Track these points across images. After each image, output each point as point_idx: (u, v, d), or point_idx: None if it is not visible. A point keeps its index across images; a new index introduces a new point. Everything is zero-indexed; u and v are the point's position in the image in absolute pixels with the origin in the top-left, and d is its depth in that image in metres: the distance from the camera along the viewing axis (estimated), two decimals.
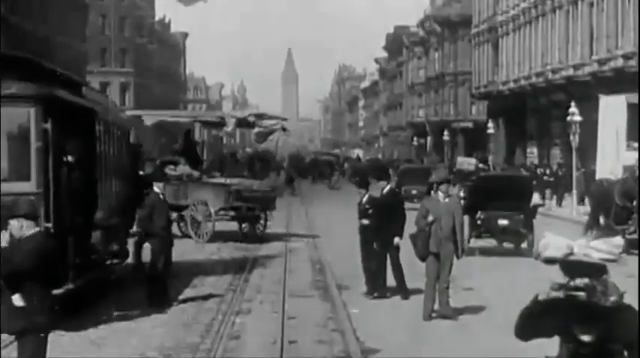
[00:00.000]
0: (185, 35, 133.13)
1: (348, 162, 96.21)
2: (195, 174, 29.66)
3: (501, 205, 25.45)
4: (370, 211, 18.65)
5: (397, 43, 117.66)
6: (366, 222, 18.73)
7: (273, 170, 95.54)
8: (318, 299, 18.67)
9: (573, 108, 42.25)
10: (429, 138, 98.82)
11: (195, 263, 24.17)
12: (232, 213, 29.60)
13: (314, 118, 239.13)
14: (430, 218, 16.03)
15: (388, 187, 18.81)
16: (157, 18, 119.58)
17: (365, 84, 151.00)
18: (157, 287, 17.16)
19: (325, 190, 64.96)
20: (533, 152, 68.66)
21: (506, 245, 25.87)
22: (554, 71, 60.50)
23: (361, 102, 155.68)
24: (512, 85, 70.13)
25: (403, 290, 18.36)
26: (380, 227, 18.30)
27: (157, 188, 17.25)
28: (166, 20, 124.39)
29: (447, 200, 16.22)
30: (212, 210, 28.70)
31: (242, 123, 32.15)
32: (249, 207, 29.50)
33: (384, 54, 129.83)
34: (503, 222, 25.39)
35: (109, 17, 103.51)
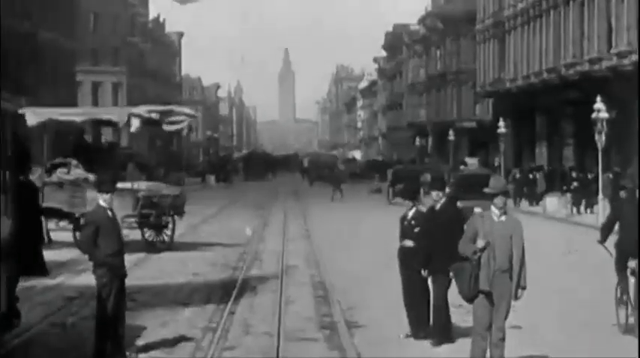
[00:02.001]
0: (180, 35, 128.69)
1: (343, 164, 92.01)
2: (92, 177, 25.68)
3: (475, 196, 28.25)
4: (416, 229, 14.05)
5: (397, 41, 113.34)
6: (409, 243, 14.08)
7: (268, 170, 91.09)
8: (324, 344, 14.04)
9: (599, 104, 37.76)
10: (430, 139, 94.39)
11: (172, 287, 19.58)
12: (138, 220, 26.03)
13: (311, 119, 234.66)
14: (480, 243, 11.40)
15: (444, 199, 14.11)
16: (150, 17, 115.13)
17: (363, 84, 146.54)
18: (107, 336, 12.49)
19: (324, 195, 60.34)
20: (542, 153, 64.28)
21: None
22: (567, 67, 56.00)
23: (359, 103, 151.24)
24: (520, 82, 65.64)
25: (441, 334, 13.74)
26: (432, 251, 13.67)
27: (102, 201, 12.55)
28: (161, 19, 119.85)
29: (502, 218, 11.58)
30: (118, 218, 24.38)
31: (147, 121, 27.46)
32: (159, 213, 26.18)
33: (383, 53, 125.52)
34: (477, 209, 26.57)
35: (100, 15, 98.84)
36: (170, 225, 26.86)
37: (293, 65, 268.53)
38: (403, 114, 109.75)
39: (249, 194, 62.25)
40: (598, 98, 38.15)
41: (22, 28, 64.32)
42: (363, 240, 29.73)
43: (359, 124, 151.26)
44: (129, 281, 20.27)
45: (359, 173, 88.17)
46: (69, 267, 22.28)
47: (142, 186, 26.22)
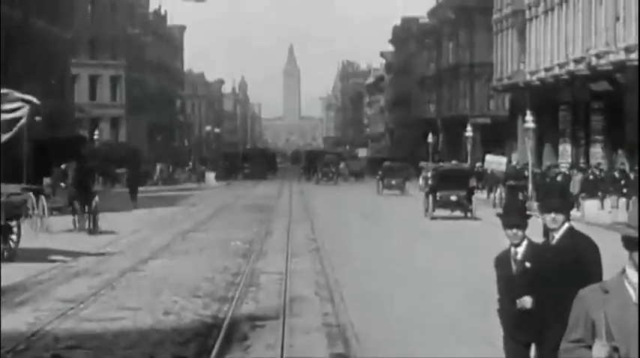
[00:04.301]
0: (183, 29, 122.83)
1: (345, 161, 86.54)
2: None
3: (452, 187, 35.98)
4: (527, 277, 7.88)
5: (405, 35, 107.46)
6: (528, 303, 7.83)
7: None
8: None
9: None
10: (440, 136, 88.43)
11: (128, 335, 13.61)
12: None
13: (316, 116, 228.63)
14: (599, 352, 5.07)
15: (566, 227, 7.87)
16: (151, 9, 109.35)
17: (370, 80, 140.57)
18: None
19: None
20: (566, 150, 58.38)
21: (456, 213, 35.96)
22: (598, 56, 49.94)
23: (366, 99, 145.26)
24: (543, 74, 59.60)
25: None
26: (548, 315, 7.58)
27: None
28: (162, 12, 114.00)
29: None
30: None
31: None
32: None
33: (391, 48, 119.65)
34: (453, 198, 35.89)
35: (98, 5, 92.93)
36: (13, 232, 22.03)
37: (298, 61, 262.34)
38: (411, 111, 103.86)
39: (249, 194, 56.38)
40: None
41: (11, 14, 58.54)
42: (386, 252, 23.87)
43: (365, 121, 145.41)
44: (69, 324, 14.50)
45: (362, 171, 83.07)
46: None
47: None
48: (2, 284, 17.03)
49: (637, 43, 43.32)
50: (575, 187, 38.79)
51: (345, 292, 17.24)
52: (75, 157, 28.31)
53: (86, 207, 27.98)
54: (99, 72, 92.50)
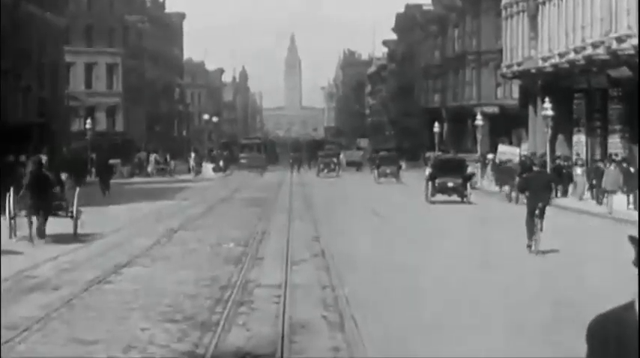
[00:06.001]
0: (182, 16, 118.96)
1: (344, 152, 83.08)
2: None
3: (449, 174, 39.17)
4: None
5: (409, 22, 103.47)
6: None
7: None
8: None
9: None
10: (445, 126, 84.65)
11: None
12: None
13: (317, 106, 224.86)
14: None
15: None
16: None
17: (372, 69, 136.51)
18: None
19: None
20: (580, 140, 54.75)
21: (453, 198, 38.44)
22: (619, 40, 46.21)
23: (367, 89, 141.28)
24: (556, 59, 55.79)
25: None
26: None
27: None
28: None
29: None
30: None
31: None
32: None
33: (393, 36, 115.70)
34: (450, 184, 38.83)
35: None
36: None
37: (299, 51, 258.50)
38: (415, 100, 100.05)
39: (247, 186, 52.72)
40: None
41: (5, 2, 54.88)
42: (399, 255, 20.17)
43: (367, 111, 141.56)
44: None
45: (360, 162, 79.86)
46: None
47: None
48: None
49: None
50: (611, 181, 34.96)
51: (358, 316, 13.50)
52: (29, 148, 24.19)
53: (40, 211, 22.67)
54: (95, 59, 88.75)
